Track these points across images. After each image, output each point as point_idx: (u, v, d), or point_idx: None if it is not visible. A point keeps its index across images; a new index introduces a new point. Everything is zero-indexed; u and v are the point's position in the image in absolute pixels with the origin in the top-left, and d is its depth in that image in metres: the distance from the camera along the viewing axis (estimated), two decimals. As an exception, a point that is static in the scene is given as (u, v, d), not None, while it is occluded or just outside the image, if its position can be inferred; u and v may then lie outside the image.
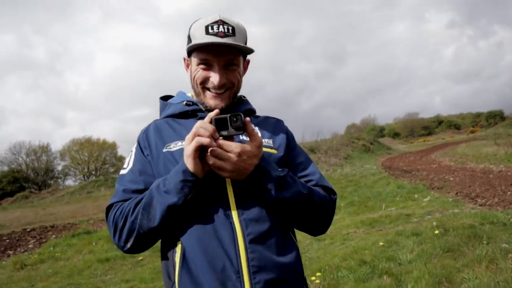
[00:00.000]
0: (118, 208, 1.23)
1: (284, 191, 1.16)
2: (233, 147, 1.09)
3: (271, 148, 1.31)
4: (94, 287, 5.60)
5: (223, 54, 1.25)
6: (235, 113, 1.10)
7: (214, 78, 1.26)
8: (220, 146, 1.09)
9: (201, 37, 1.24)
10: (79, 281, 6.00)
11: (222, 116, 1.10)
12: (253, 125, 1.33)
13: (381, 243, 5.26)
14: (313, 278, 4.18)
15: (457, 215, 6.38)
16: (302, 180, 1.29)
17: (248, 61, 1.41)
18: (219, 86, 1.27)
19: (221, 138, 1.10)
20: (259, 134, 1.33)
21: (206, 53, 1.25)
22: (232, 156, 1.08)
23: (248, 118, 1.11)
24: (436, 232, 5.14)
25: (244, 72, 1.39)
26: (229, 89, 1.30)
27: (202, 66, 1.27)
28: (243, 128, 1.10)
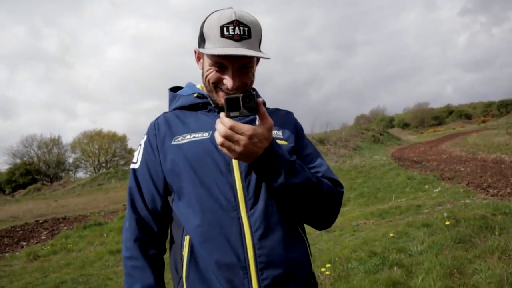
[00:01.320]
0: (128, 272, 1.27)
1: (293, 177, 1.13)
2: (244, 130, 1.03)
3: (281, 139, 1.29)
4: (106, 278, 5.67)
5: (238, 59, 1.21)
6: (248, 93, 1.05)
7: (228, 81, 1.22)
8: (231, 128, 1.04)
9: (215, 39, 1.20)
10: (91, 272, 6.09)
11: (234, 95, 1.04)
12: None
13: (391, 234, 5.24)
14: (323, 269, 4.18)
15: (469, 206, 6.32)
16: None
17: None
18: (232, 89, 1.23)
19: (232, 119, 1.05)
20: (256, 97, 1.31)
21: (220, 58, 1.21)
22: (243, 138, 1.04)
23: (261, 99, 1.08)
24: (447, 223, 5.09)
25: (256, 66, 1.35)
26: (242, 88, 1.27)
27: (216, 68, 1.24)
28: (255, 109, 1.05)
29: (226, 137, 1.04)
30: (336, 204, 1.27)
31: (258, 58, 1.32)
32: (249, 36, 1.20)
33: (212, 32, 1.20)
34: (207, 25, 1.23)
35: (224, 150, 1.07)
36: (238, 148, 1.05)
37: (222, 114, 1.06)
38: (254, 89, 1.42)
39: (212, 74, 1.25)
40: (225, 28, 1.18)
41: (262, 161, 1.09)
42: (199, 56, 1.33)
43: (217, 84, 1.26)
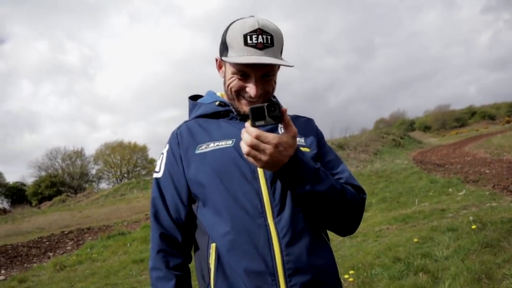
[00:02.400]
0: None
1: (318, 184, 1.13)
2: (270, 138, 1.05)
3: (303, 146, 1.29)
4: (130, 287, 5.74)
5: (261, 67, 1.22)
6: (272, 102, 1.06)
7: (251, 90, 1.24)
8: (257, 137, 1.05)
9: (239, 48, 1.21)
10: (115, 281, 6.17)
11: (259, 105, 1.06)
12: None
13: (415, 239, 5.14)
14: (346, 276, 4.13)
15: (495, 209, 6.16)
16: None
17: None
18: (255, 98, 1.25)
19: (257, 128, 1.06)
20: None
21: (244, 66, 1.23)
22: (269, 147, 1.05)
23: (285, 108, 1.08)
24: (473, 227, 4.97)
25: (277, 71, 1.37)
26: (264, 96, 1.28)
27: (238, 76, 1.25)
28: (280, 118, 1.06)
29: (252, 146, 1.05)
30: (359, 210, 1.27)
31: (279, 66, 1.33)
32: (272, 44, 1.22)
33: (235, 40, 1.22)
34: (230, 33, 1.25)
35: (250, 159, 1.09)
36: (264, 157, 1.06)
37: (247, 124, 1.07)
38: (274, 97, 1.43)
39: (235, 83, 1.26)
40: (248, 37, 1.20)
41: (287, 169, 1.11)
42: (220, 65, 1.35)
43: (239, 92, 1.27)
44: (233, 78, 1.27)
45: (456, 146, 25.01)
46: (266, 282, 1.12)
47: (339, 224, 1.25)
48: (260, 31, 1.20)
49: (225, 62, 1.28)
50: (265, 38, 1.21)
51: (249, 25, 1.21)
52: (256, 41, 1.20)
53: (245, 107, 1.28)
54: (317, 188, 1.13)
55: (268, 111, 1.05)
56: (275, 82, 1.31)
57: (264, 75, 1.25)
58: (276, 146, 1.05)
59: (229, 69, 1.27)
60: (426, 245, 4.89)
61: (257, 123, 1.06)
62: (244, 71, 1.24)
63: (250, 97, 1.25)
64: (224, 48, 1.27)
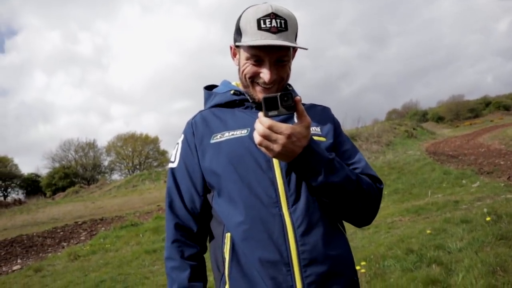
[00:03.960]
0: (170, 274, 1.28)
1: (332, 175, 1.12)
2: (283, 129, 1.04)
3: (319, 136, 1.27)
4: (143, 277, 5.81)
5: (275, 51, 1.21)
6: (285, 92, 1.05)
7: (265, 75, 1.22)
8: (269, 127, 1.04)
9: (253, 32, 1.20)
10: (128, 271, 6.25)
11: (272, 95, 1.05)
12: None
13: (428, 231, 5.09)
14: (358, 267, 4.11)
15: (510, 201, 6.06)
16: (349, 167, 1.25)
17: (296, 48, 1.36)
18: (270, 83, 1.24)
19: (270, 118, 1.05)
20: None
21: (257, 50, 1.21)
22: (281, 137, 1.04)
23: (298, 97, 1.07)
24: (488, 219, 4.90)
25: (292, 60, 1.34)
26: (279, 83, 1.27)
27: (252, 61, 1.24)
28: (293, 108, 1.05)
29: (265, 137, 1.04)
30: (375, 201, 1.25)
31: (294, 52, 1.32)
32: (285, 28, 1.20)
33: (249, 25, 1.21)
34: (243, 19, 1.24)
35: (263, 149, 1.08)
36: (276, 147, 1.05)
37: (260, 114, 1.06)
38: (289, 85, 1.41)
39: (249, 68, 1.25)
40: (262, 21, 1.19)
41: (301, 160, 1.09)
42: (234, 52, 1.33)
43: (253, 79, 1.26)
44: (247, 64, 1.25)
45: (470, 137, 24.65)
46: (280, 272, 1.11)
47: (355, 215, 1.23)
48: (273, 15, 1.19)
49: (239, 48, 1.27)
50: (279, 22, 1.20)
51: (263, 10, 1.20)
52: (270, 25, 1.19)
53: (259, 94, 1.26)
54: (332, 179, 1.12)
55: (281, 101, 1.04)
56: (289, 69, 1.29)
57: (278, 60, 1.23)
58: (289, 136, 1.04)
59: (243, 55, 1.26)
60: (439, 237, 4.84)
61: (270, 113, 1.04)
62: (258, 56, 1.22)
63: (265, 82, 1.24)
64: (238, 34, 1.26)
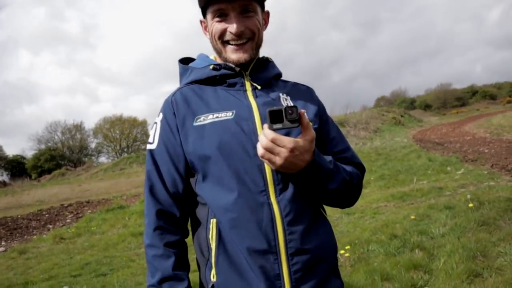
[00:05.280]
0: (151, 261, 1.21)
1: (331, 182, 1.14)
2: (286, 142, 1.03)
3: None
4: (128, 260, 5.81)
5: (236, 0, 1.17)
6: (291, 105, 1.05)
7: (231, 27, 1.19)
8: (273, 140, 1.03)
9: None
10: (114, 254, 6.25)
11: (277, 108, 1.04)
12: (288, 98, 1.28)
13: (412, 217, 5.17)
14: (342, 251, 4.16)
15: (493, 188, 6.18)
16: (336, 156, 1.25)
17: (268, 13, 1.32)
18: (238, 34, 1.19)
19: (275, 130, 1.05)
20: (291, 103, 1.26)
21: (218, 3, 1.18)
22: (284, 151, 1.03)
23: (303, 110, 1.05)
24: (470, 205, 4.99)
25: (265, 26, 1.31)
26: (250, 39, 1.22)
27: (217, 19, 1.20)
28: (298, 121, 1.04)
29: (268, 149, 1.04)
30: (360, 188, 1.29)
31: (265, 14, 1.29)
32: None
33: None
34: None
35: (266, 162, 1.08)
36: (279, 161, 1.04)
37: (265, 126, 1.05)
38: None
39: (216, 27, 1.21)
40: None
41: (305, 174, 1.09)
42: (205, 26, 1.29)
43: (223, 37, 1.22)
44: (213, 24, 1.22)
45: (456, 126, 24.99)
46: (268, 261, 1.10)
47: (342, 203, 1.26)
48: None
49: (207, 15, 1.24)
50: None
51: None
52: None
53: (232, 55, 1.23)
54: (330, 186, 1.14)
55: (286, 114, 1.03)
56: (260, 24, 1.24)
57: (244, 11, 1.20)
58: (292, 150, 1.03)
59: (209, 18, 1.23)
60: (423, 223, 4.92)
61: (275, 126, 1.04)
62: (221, 9, 1.19)
63: (234, 38, 1.20)
64: (201, 2, 1.23)
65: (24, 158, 46.96)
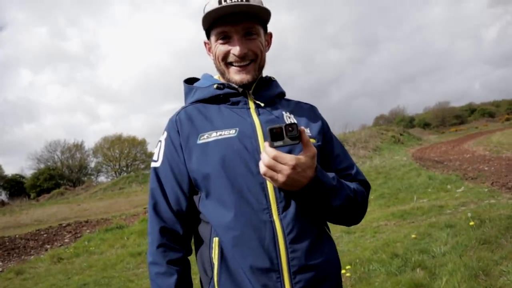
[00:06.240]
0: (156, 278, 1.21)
1: (335, 198, 1.14)
2: (287, 160, 1.04)
3: (309, 137, 1.24)
4: (127, 280, 5.73)
5: (239, 22, 1.20)
6: (291, 123, 1.07)
7: (235, 49, 1.21)
8: (274, 158, 1.04)
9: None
10: (112, 274, 6.16)
11: (277, 126, 1.06)
12: (291, 116, 1.29)
13: (413, 236, 5.13)
14: (343, 271, 4.12)
15: (494, 206, 6.15)
16: (340, 174, 1.26)
17: (271, 34, 1.35)
18: (241, 56, 1.21)
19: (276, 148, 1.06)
20: (295, 121, 1.27)
21: (222, 26, 1.21)
22: (286, 168, 1.04)
23: (303, 127, 1.06)
24: (471, 223, 4.96)
25: (268, 47, 1.33)
26: (253, 61, 1.25)
27: (221, 41, 1.23)
28: (298, 138, 1.05)
29: (270, 167, 1.05)
30: (366, 206, 1.28)
31: (268, 35, 1.32)
32: (247, 0, 1.19)
33: (211, 7, 1.20)
34: (207, 6, 1.23)
35: (268, 179, 1.09)
36: (281, 178, 1.05)
37: (266, 144, 1.07)
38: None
39: (219, 48, 1.24)
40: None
41: (308, 191, 1.10)
42: (209, 47, 1.32)
43: (227, 59, 1.24)
44: (217, 46, 1.24)
45: (455, 143, 25.01)
46: (271, 279, 1.10)
47: (347, 220, 1.25)
48: None
49: (211, 37, 1.27)
50: None
51: None
52: (230, 1, 1.18)
53: (235, 76, 1.25)
54: (334, 203, 1.14)
55: (286, 131, 1.05)
56: (262, 46, 1.27)
57: (247, 34, 1.22)
58: (294, 167, 1.04)
59: (213, 40, 1.26)
60: (424, 241, 4.88)
61: (276, 144, 1.06)
62: (225, 32, 1.22)
63: (237, 60, 1.22)
64: (204, 22, 1.26)
65: (23, 177, 46.84)
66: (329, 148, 1.31)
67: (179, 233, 1.22)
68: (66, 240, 10.16)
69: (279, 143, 1.05)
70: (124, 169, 48.14)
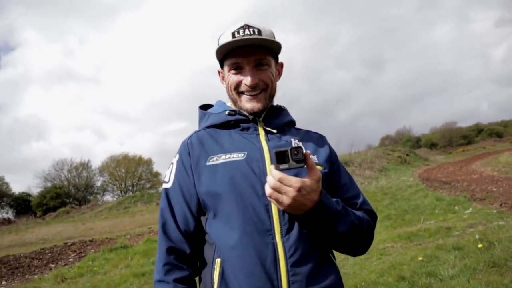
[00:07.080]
0: None
1: (340, 224, 1.15)
2: (292, 182, 1.06)
3: (316, 164, 1.27)
4: (130, 301, 5.67)
5: (251, 54, 1.26)
6: (296, 146, 1.10)
7: (246, 79, 1.27)
8: (280, 180, 1.06)
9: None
10: (116, 295, 6.10)
11: (283, 149, 1.08)
12: (300, 143, 1.33)
13: (420, 258, 5.05)
14: (349, 294, 4.05)
15: (503, 228, 6.06)
16: (347, 203, 1.27)
17: (282, 64, 1.40)
18: (252, 87, 1.27)
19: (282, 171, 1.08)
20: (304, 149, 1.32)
21: (235, 57, 1.27)
22: (291, 190, 1.05)
23: (308, 151, 1.09)
24: (480, 245, 4.88)
25: (279, 76, 1.38)
26: (264, 90, 1.30)
27: (233, 71, 1.29)
28: (303, 161, 1.08)
29: (275, 189, 1.07)
30: (372, 235, 1.29)
31: (278, 65, 1.37)
32: (259, 35, 1.26)
33: (225, 40, 1.26)
34: (221, 38, 1.30)
35: (273, 201, 1.10)
36: (286, 200, 1.07)
37: (272, 167, 1.09)
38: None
39: (232, 78, 1.29)
40: (235, 32, 1.25)
41: (312, 214, 1.11)
42: (222, 76, 1.37)
43: (238, 88, 1.30)
44: (229, 76, 1.30)
45: (463, 164, 24.81)
46: None
47: (352, 249, 1.25)
48: (246, 26, 1.26)
49: (224, 67, 1.33)
50: (252, 31, 1.25)
51: (236, 24, 1.28)
52: (243, 34, 1.25)
53: (246, 104, 1.30)
54: (339, 229, 1.15)
55: (291, 155, 1.07)
56: (273, 76, 1.32)
57: (258, 64, 1.28)
58: (299, 190, 1.06)
59: (226, 70, 1.31)
60: (431, 264, 4.80)
61: (281, 166, 1.08)
62: (237, 63, 1.27)
63: (249, 89, 1.27)
64: (218, 54, 1.32)
65: (29, 195, 47.00)
66: (337, 177, 1.33)
67: (185, 252, 1.26)
68: (70, 260, 10.12)
69: (285, 166, 1.07)
70: (130, 188, 48.20)
